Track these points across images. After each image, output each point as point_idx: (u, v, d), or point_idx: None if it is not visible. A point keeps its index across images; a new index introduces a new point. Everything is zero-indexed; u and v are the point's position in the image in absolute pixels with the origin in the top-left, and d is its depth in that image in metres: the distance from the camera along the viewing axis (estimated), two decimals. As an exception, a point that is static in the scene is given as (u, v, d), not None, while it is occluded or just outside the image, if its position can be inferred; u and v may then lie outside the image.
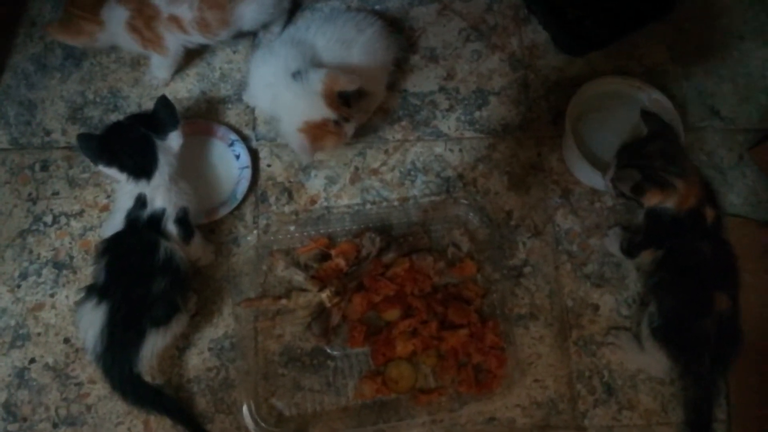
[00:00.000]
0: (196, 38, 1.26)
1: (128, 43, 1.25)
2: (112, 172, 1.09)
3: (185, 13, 1.21)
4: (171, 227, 1.09)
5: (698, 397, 1.09)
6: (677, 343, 1.09)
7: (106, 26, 1.22)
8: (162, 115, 1.11)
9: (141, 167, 1.08)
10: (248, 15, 1.26)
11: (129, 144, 1.08)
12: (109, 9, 1.22)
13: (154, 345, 1.04)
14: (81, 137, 1.08)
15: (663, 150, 1.11)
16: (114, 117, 1.32)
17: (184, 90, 1.35)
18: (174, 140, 1.12)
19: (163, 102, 1.12)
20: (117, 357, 1.02)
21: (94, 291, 1.04)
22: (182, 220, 1.10)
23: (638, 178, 1.08)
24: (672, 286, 1.12)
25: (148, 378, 1.07)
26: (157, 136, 1.10)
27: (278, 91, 1.17)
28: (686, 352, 1.09)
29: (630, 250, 1.20)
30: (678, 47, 1.45)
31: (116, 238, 1.07)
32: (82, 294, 1.07)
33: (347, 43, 1.23)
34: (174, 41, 1.25)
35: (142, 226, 1.07)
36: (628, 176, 1.10)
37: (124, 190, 1.10)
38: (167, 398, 1.09)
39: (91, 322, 1.02)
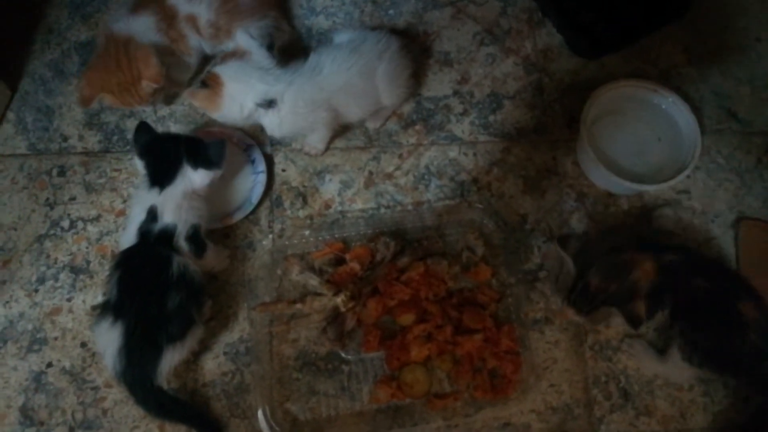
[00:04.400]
0: (204, 43, 1.29)
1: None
2: (140, 166, 1.12)
3: (202, 12, 1.24)
4: (182, 244, 1.09)
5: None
6: (731, 366, 1.10)
7: (136, 37, 1.20)
8: (210, 152, 1.12)
9: (158, 175, 1.10)
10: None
11: (161, 151, 1.11)
12: (131, 23, 1.21)
13: (171, 360, 1.04)
14: (142, 125, 1.14)
15: (604, 275, 1.08)
16: (130, 122, 1.33)
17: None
18: (199, 177, 1.12)
19: (221, 144, 1.13)
20: (137, 374, 1.02)
21: (108, 309, 1.04)
22: (193, 237, 1.10)
23: (618, 313, 1.07)
24: (697, 328, 1.10)
25: (164, 383, 1.08)
26: (189, 162, 1.11)
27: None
28: (744, 371, 1.09)
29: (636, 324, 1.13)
30: (694, 49, 1.44)
31: (127, 253, 1.08)
32: (98, 311, 1.07)
33: (369, 74, 1.23)
34: (194, 41, 1.28)
35: (153, 241, 1.07)
36: (607, 315, 1.11)
37: (138, 197, 1.11)
38: (190, 408, 1.10)
39: (109, 341, 1.02)
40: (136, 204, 1.11)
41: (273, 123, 1.21)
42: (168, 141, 1.14)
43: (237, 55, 1.20)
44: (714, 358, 1.09)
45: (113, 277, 1.05)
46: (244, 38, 1.21)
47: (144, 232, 1.08)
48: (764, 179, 1.34)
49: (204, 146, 1.13)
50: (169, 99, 1.35)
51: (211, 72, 1.17)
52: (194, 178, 1.12)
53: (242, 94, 1.16)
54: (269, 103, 1.17)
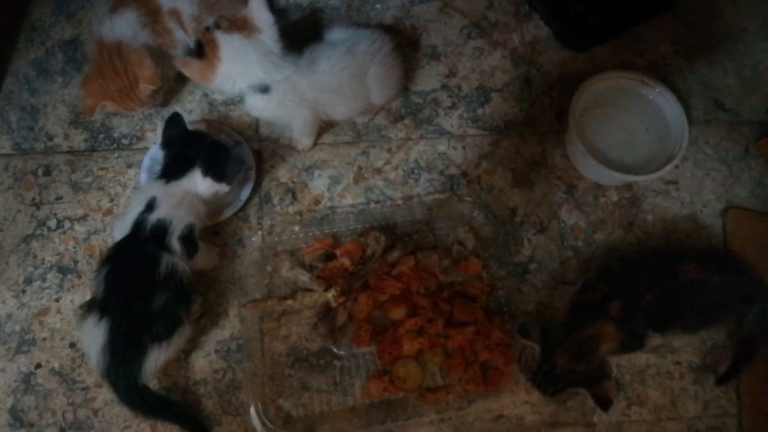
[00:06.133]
0: (188, 37, 1.26)
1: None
2: (160, 156, 1.14)
3: (185, 7, 1.23)
4: (175, 243, 1.07)
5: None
6: (727, 311, 1.15)
7: (124, 40, 1.18)
8: (227, 165, 1.12)
9: (169, 168, 1.11)
10: None
11: (180, 146, 1.12)
12: (115, 24, 1.19)
13: (156, 359, 1.03)
14: (175, 116, 1.14)
15: (571, 356, 1.05)
16: (116, 121, 1.32)
17: (186, 92, 1.35)
18: (205, 185, 1.11)
19: (240, 163, 1.16)
20: (121, 372, 1.01)
21: (94, 306, 1.03)
22: (186, 237, 1.09)
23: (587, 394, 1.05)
24: (686, 320, 1.11)
25: (154, 382, 1.06)
26: (201, 167, 1.11)
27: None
28: (732, 307, 1.14)
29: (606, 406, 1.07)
30: (682, 40, 1.44)
31: (117, 248, 1.06)
32: (84, 310, 1.06)
33: (361, 76, 1.22)
34: (179, 35, 1.26)
35: (146, 235, 1.06)
36: (574, 395, 1.12)
37: (145, 186, 1.12)
38: (176, 406, 1.09)
39: (94, 339, 1.01)
40: (141, 192, 1.11)
41: (257, 105, 1.17)
42: (191, 139, 1.14)
43: (244, 30, 1.12)
44: (708, 321, 1.14)
45: (101, 272, 1.04)
46: (259, 8, 1.12)
47: (139, 222, 1.06)
48: (751, 169, 1.35)
49: (225, 158, 1.12)
50: (166, 97, 1.33)
51: (210, 35, 1.11)
52: (200, 184, 1.11)
53: (239, 75, 1.13)
54: (264, 89, 1.14)
